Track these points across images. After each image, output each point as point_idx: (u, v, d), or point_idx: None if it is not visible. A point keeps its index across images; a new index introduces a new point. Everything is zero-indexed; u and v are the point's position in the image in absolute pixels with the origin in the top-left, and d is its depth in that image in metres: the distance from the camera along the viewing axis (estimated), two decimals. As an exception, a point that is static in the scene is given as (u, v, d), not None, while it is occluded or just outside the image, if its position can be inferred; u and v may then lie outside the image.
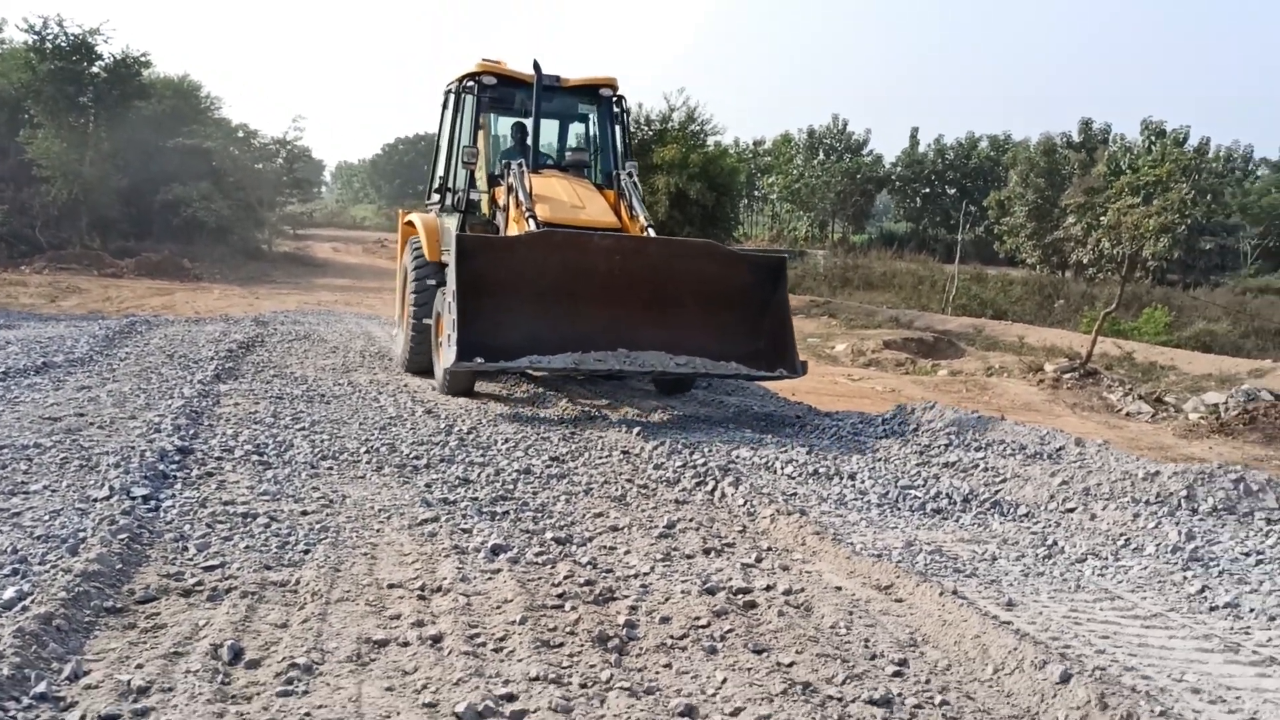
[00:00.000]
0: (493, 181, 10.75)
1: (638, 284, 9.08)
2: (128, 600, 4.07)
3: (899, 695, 3.67)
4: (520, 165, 9.80)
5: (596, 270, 8.95)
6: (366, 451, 7.09)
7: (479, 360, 8.34)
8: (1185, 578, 5.19)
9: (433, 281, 10.64)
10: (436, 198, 11.59)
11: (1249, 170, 49.31)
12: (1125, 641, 4.31)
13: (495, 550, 5.01)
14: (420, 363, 10.95)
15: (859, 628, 4.30)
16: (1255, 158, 50.53)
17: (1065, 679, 3.62)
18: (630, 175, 10.49)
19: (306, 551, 4.86)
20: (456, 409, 9.00)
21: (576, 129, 12.10)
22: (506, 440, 7.74)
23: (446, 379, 9.71)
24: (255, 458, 6.66)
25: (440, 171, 11.57)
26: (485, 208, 10.82)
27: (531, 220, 9.18)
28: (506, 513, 5.79)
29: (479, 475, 6.62)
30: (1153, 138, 38.43)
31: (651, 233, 9.75)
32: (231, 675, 3.49)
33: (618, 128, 11.18)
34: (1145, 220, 16.51)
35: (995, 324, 25.54)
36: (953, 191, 53.19)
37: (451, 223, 10.79)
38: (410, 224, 12.00)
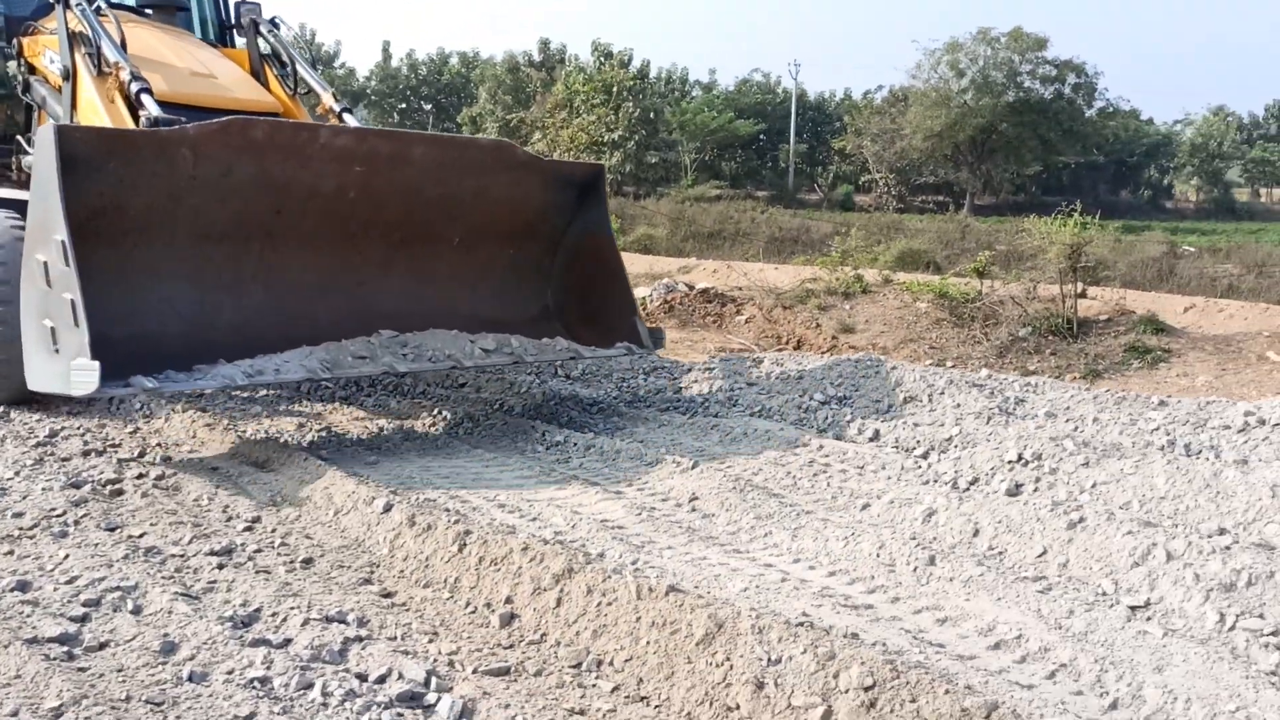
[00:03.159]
0: (12, 28, 6.72)
1: (393, 215, 5.96)
2: None
3: (242, 545, 4.08)
4: (96, 1, 5.98)
5: (321, 192, 5.62)
6: None
7: (143, 381, 4.70)
8: (533, 426, 6.16)
9: None
10: None
11: (685, 91, 55.46)
12: (465, 481, 5.10)
13: None
14: None
15: (222, 498, 4.64)
16: (690, 79, 56.95)
17: (388, 509, 4.26)
18: (276, 27, 6.86)
19: None
20: None
21: None
22: None
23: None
24: None
25: None
26: (16, 73, 6.62)
27: (145, 96, 5.52)
28: None
29: None
30: (602, 59, 41.83)
31: (351, 120, 6.49)
32: None
33: None
34: (578, 134, 18.20)
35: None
36: (429, 107, 54.02)
37: None
38: None
